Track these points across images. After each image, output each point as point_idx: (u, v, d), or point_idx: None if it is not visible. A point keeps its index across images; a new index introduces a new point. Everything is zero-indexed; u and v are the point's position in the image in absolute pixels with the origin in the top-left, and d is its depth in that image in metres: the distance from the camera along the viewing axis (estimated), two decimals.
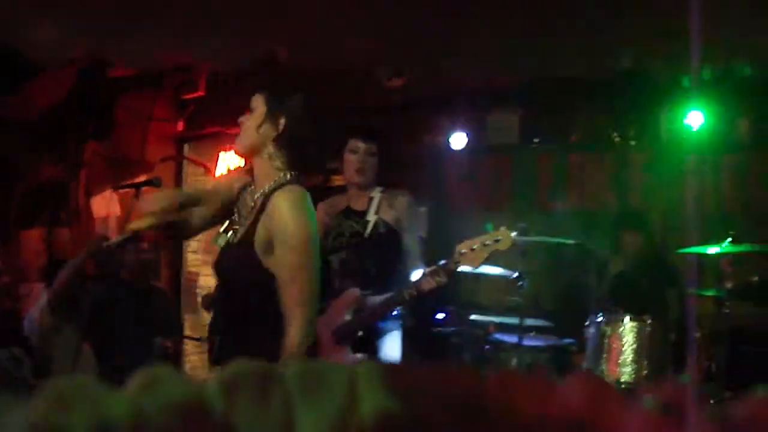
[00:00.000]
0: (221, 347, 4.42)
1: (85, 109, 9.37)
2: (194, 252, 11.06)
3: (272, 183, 4.39)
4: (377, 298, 5.95)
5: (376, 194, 6.36)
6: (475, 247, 5.57)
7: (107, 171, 9.94)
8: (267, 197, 4.34)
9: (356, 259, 6.26)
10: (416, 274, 5.90)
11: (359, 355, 5.96)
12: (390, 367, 1.03)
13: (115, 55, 9.05)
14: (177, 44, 8.93)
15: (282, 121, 4.39)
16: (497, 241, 5.56)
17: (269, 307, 4.19)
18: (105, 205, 9.73)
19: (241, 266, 4.38)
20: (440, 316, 8.75)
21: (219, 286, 4.72)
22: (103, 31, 8.19)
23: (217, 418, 0.97)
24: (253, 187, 4.54)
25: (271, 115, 4.40)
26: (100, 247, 7.07)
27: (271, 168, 4.42)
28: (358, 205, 6.37)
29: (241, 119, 4.49)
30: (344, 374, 1.02)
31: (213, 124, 10.94)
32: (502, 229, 5.61)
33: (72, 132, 9.58)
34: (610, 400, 0.98)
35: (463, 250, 5.59)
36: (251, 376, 1.00)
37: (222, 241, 4.55)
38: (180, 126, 11.31)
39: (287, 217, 4.18)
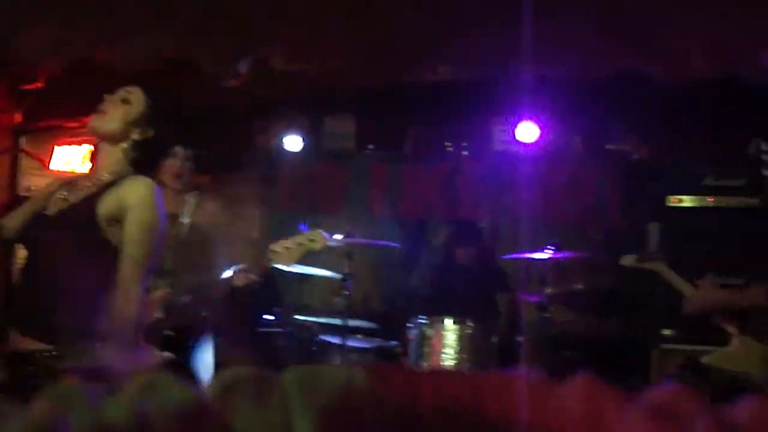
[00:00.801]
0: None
1: None
2: None
3: (118, 171, 4.40)
4: (187, 297, 5.96)
5: (190, 198, 6.39)
6: (288, 246, 5.65)
7: None
8: (118, 179, 4.35)
9: (170, 260, 6.25)
10: (228, 273, 5.95)
11: (165, 354, 5.94)
12: (386, 370, 1.01)
13: None
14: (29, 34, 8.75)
15: (150, 129, 4.44)
16: (312, 241, 5.66)
17: (97, 275, 4.19)
18: None
19: (80, 231, 4.36)
20: (268, 317, 8.74)
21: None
22: None
23: (216, 422, 1.00)
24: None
25: (145, 118, 4.43)
26: None
27: (119, 160, 4.43)
28: (171, 208, 6.37)
29: (111, 102, 4.47)
30: (341, 379, 1.06)
31: (51, 117, 10.75)
32: (317, 230, 5.72)
33: None
34: (609, 403, 1.04)
35: (276, 249, 5.66)
36: (250, 380, 1.04)
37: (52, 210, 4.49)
38: (18, 118, 11.08)
39: (145, 198, 4.27)
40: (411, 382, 1.10)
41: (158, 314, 5.86)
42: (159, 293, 5.92)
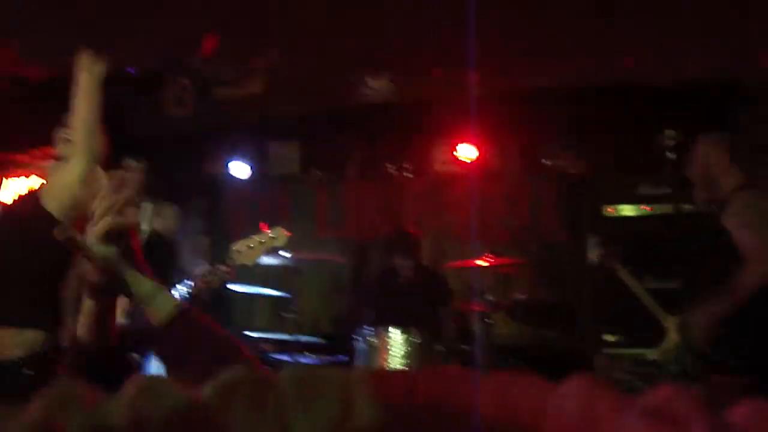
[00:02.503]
0: None
1: None
2: None
3: None
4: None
5: (146, 206, 6.49)
6: (251, 245, 5.77)
7: None
8: None
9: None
10: (193, 276, 6.06)
11: (135, 355, 6.07)
12: (383, 373, 1.03)
13: None
14: None
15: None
16: (273, 238, 5.78)
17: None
18: None
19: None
20: None
21: None
22: None
23: (213, 424, 0.98)
24: None
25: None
26: None
27: None
28: None
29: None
30: (338, 381, 1.03)
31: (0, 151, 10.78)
32: (278, 227, 5.84)
33: None
34: (605, 404, 0.99)
35: (238, 248, 5.77)
36: (247, 382, 1.01)
37: None
38: None
39: None
40: (407, 382, 1.07)
41: (123, 319, 5.98)
42: (122, 300, 6.02)
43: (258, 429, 0.99)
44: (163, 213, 6.50)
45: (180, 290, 5.91)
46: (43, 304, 4.37)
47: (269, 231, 5.86)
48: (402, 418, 1.03)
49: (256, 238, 5.82)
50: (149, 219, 6.44)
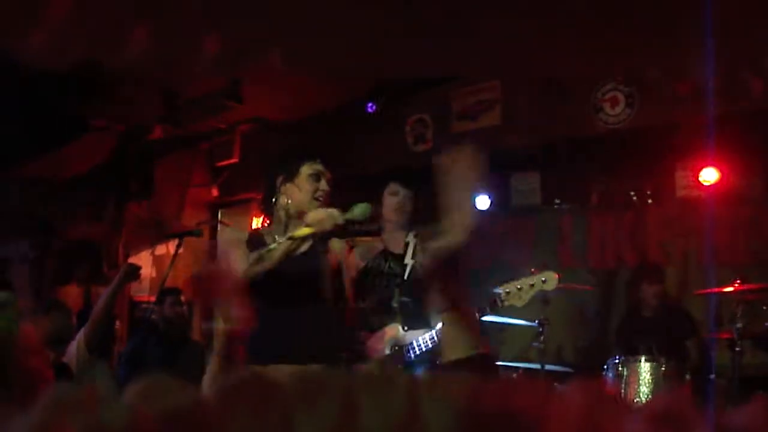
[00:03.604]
0: None
1: (126, 170, 9.66)
2: None
3: None
4: (416, 333, 6.25)
5: (411, 239, 6.67)
6: (520, 287, 5.90)
7: (145, 232, 10.23)
8: None
9: (395, 299, 6.53)
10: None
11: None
12: (388, 376, 1.05)
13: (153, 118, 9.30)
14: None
15: None
16: (544, 281, 5.91)
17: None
18: (141, 265, 9.98)
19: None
20: None
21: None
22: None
23: (216, 426, 0.99)
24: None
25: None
26: (133, 272, 7.19)
27: None
28: (394, 247, 6.65)
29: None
30: (342, 382, 1.04)
31: (245, 190, 11.26)
32: (549, 271, 5.97)
33: (112, 192, 9.87)
34: (608, 409, 1.02)
35: (508, 290, 5.91)
36: (250, 384, 1.01)
37: None
38: (214, 192, 11.65)
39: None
40: (410, 386, 1.05)
41: (387, 350, 6.22)
42: (389, 330, 6.26)
43: (261, 431, 1.00)
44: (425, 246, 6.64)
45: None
46: None
47: (540, 274, 5.99)
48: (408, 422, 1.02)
49: (526, 280, 5.97)
50: (412, 251, 6.61)
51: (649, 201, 9.77)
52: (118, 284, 7.00)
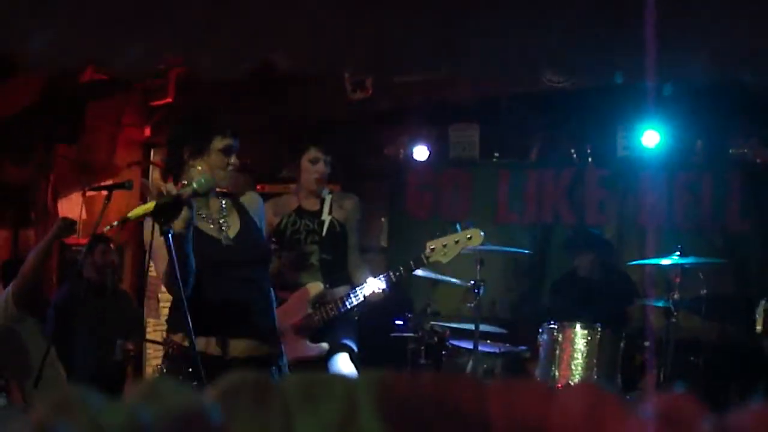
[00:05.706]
0: None
1: (55, 113, 9.41)
2: None
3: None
4: (338, 290, 6.24)
5: (327, 196, 6.59)
6: (446, 243, 5.85)
7: (75, 174, 10.01)
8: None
9: (312, 255, 6.49)
10: (378, 271, 6.22)
11: (324, 345, 6.21)
12: (389, 377, 1.02)
13: (98, 62, 9.05)
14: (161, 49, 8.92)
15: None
16: (469, 238, 5.86)
17: None
18: (72, 208, 9.78)
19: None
20: (399, 322, 8.85)
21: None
22: (94, 39, 8.10)
23: (216, 429, 0.96)
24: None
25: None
26: (67, 227, 6.99)
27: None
28: (309, 206, 6.59)
29: None
30: (344, 385, 1.01)
31: None
32: (475, 228, 5.91)
33: (40, 134, 9.63)
34: (611, 410, 0.98)
35: (432, 246, 5.87)
36: (250, 386, 0.99)
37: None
38: (147, 131, 11.43)
39: None
40: (413, 387, 1.03)
41: (309, 308, 6.19)
42: (311, 288, 6.23)
43: None
44: (344, 203, 6.59)
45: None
46: None
47: (466, 230, 5.94)
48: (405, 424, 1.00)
49: (452, 237, 5.91)
50: (328, 208, 6.57)
51: (590, 159, 9.74)
52: (51, 239, 6.82)
